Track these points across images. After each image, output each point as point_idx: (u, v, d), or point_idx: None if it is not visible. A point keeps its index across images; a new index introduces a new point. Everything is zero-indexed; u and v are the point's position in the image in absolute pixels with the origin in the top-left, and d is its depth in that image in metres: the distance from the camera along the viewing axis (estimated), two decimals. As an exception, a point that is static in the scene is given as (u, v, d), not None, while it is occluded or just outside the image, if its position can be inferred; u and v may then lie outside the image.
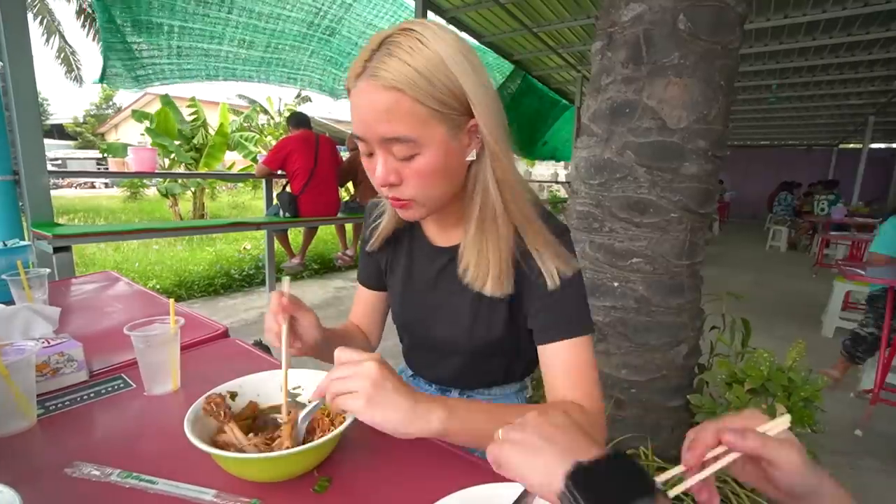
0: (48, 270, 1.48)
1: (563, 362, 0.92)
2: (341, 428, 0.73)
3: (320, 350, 0.97)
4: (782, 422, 0.57)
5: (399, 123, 0.78)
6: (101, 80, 4.25)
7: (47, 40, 15.85)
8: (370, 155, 0.86)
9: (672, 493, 0.52)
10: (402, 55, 0.76)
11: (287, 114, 15.13)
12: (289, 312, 0.89)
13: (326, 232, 8.82)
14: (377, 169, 0.84)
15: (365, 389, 0.69)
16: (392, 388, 0.71)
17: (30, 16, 3.02)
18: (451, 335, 1.06)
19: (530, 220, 0.92)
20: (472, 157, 0.87)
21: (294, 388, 0.90)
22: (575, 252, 0.98)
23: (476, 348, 1.05)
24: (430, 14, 5.95)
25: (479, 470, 0.78)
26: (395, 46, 0.77)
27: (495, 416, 0.78)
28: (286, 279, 0.93)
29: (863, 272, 3.30)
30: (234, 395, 0.85)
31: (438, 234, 1.06)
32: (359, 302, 1.25)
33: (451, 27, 0.82)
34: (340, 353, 0.75)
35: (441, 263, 1.05)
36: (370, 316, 1.25)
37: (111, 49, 4.12)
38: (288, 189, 5.46)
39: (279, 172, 5.47)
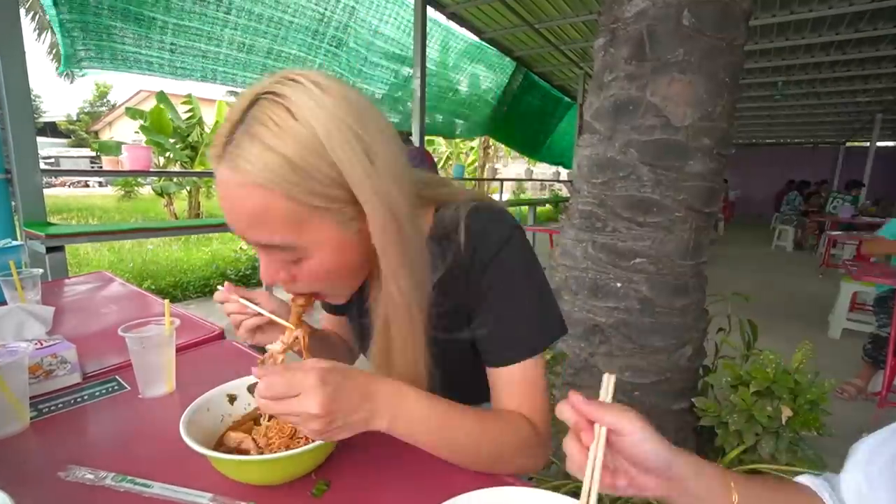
0: (41, 271, 1.48)
1: (512, 385, 0.84)
2: None
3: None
4: (609, 383, 0.61)
5: (272, 230, 0.66)
6: (66, 65, 4.11)
7: (39, 36, 15.85)
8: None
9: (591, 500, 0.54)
10: (268, 139, 0.62)
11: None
12: (238, 294, 0.88)
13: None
14: (261, 268, 0.73)
15: (313, 430, 0.63)
16: (342, 417, 0.65)
17: (21, 11, 3.02)
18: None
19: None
20: (376, 239, 0.71)
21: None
22: (526, 252, 0.85)
23: (443, 376, 0.86)
24: (430, 10, 5.95)
25: (481, 475, 0.78)
26: (259, 125, 0.62)
27: (442, 432, 0.74)
28: (225, 283, 0.93)
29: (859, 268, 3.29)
30: (232, 399, 0.85)
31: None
32: (328, 321, 1.20)
33: (335, 82, 0.66)
34: (271, 387, 0.64)
35: None
36: (344, 329, 1.19)
37: (81, 29, 3.96)
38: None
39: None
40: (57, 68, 3.91)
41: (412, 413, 0.72)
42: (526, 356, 0.83)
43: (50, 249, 2.86)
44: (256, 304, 0.89)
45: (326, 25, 5.53)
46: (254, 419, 0.84)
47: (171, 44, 4.63)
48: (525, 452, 0.80)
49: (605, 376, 0.61)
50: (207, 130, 11.15)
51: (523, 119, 10.16)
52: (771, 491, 0.65)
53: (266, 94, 0.64)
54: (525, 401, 0.83)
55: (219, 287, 0.92)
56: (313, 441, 0.72)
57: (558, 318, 0.88)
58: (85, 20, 3.92)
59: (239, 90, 5.81)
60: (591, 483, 0.55)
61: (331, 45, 5.71)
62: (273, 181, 0.62)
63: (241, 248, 7.79)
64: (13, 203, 3.10)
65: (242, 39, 5.07)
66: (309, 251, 0.70)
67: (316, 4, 5.27)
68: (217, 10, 4.72)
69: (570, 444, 0.59)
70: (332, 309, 1.16)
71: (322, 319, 1.22)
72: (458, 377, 0.90)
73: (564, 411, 0.59)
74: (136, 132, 10.70)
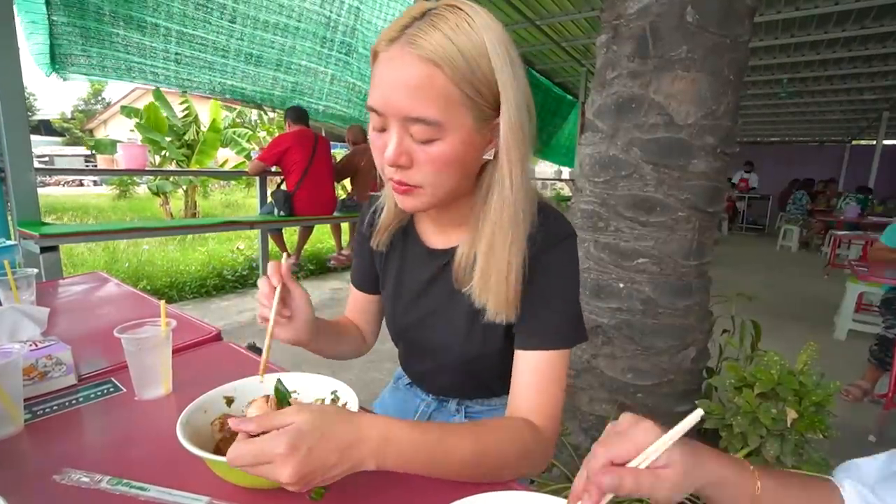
0: (35, 271, 1.48)
1: (533, 373, 0.88)
2: None
3: (311, 336, 0.94)
4: (666, 440, 0.57)
5: (428, 102, 0.74)
6: (54, 66, 4.04)
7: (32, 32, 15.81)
8: (382, 130, 0.81)
9: None
10: (446, 30, 0.73)
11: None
12: (285, 279, 0.88)
13: (322, 231, 8.82)
14: (389, 147, 0.79)
15: (291, 476, 0.61)
16: (319, 459, 0.63)
17: (15, 9, 3.02)
18: (446, 343, 1.03)
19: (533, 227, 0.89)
20: (489, 155, 0.84)
21: (290, 392, 0.90)
22: (577, 258, 0.95)
23: (472, 357, 1.01)
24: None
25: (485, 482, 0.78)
26: (441, 20, 0.74)
27: (438, 464, 0.74)
28: (285, 256, 0.94)
29: (865, 270, 3.29)
30: (230, 401, 0.85)
31: (435, 235, 1.03)
32: (353, 303, 1.23)
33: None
34: (248, 426, 0.65)
35: (436, 267, 1.01)
36: (365, 316, 1.23)
37: (79, 34, 3.90)
38: (283, 187, 5.46)
39: (273, 169, 5.47)
40: (43, 67, 3.77)
41: (402, 454, 0.71)
42: (556, 346, 0.88)
43: (44, 249, 2.87)
44: (292, 300, 0.90)
45: (334, 30, 5.47)
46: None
47: (176, 53, 4.57)
48: (526, 458, 0.82)
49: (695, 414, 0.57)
50: (204, 129, 11.13)
51: (525, 117, 10.12)
52: (793, 478, 0.68)
53: (444, 6, 0.76)
54: (540, 393, 0.87)
55: (284, 256, 0.93)
56: None
57: (583, 325, 0.95)
58: (85, 25, 3.88)
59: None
60: None
61: (340, 52, 5.66)
62: (445, 60, 0.72)
63: (237, 248, 7.78)
64: (7, 202, 3.10)
65: (250, 50, 5.01)
66: (446, 132, 0.77)
67: (321, 7, 5.24)
68: (221, 18, 4.68)
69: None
70: (365, 286, 1.19)
71: (347, 310, 1.25)
72: (487, 361, 1.01)
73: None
74: (132, 130, 10.69)
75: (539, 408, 0.87)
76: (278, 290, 0.86)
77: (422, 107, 0.74)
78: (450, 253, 0.97)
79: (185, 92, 4.92)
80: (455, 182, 0.84)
